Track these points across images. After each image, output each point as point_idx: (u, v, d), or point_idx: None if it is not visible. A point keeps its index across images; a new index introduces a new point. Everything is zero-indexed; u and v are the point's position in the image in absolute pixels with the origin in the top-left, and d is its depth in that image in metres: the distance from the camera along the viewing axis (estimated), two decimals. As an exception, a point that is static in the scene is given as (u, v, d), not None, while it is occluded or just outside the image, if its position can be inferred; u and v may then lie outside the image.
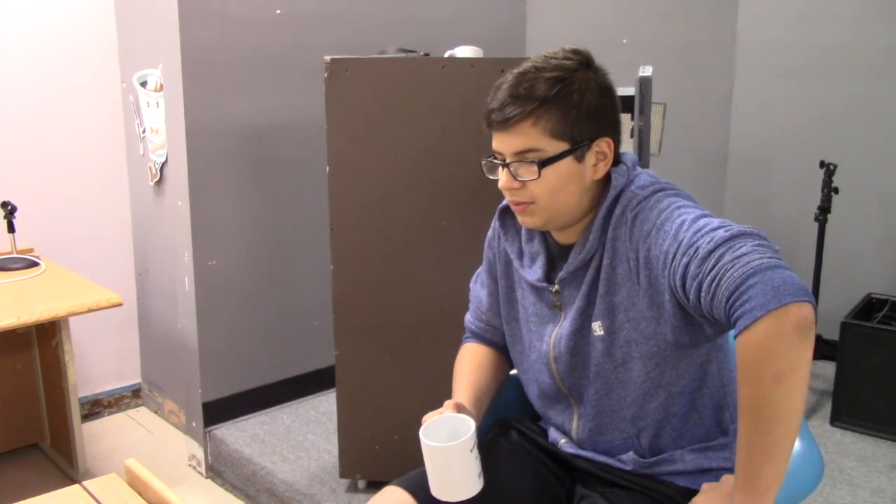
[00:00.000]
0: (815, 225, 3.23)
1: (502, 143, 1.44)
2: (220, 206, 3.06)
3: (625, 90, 2.41)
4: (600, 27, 3.96)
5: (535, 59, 1.45)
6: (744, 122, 3.85)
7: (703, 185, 3.98)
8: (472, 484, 1.44)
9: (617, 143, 1.48)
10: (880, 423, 3.05)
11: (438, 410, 1.53)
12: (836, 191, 3.20)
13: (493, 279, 1.70)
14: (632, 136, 2.41)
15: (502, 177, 1.46)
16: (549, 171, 1.42)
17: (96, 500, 1.48)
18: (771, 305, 1.16)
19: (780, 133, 3.75)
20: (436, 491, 1.45)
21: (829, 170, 3.20)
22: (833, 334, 3.19)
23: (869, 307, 3.35)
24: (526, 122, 1.40)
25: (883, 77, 3.44)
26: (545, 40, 3.87)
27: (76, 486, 1.52)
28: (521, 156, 1.42)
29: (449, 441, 1.42)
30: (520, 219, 1.51)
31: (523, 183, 1.43)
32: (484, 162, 1.50)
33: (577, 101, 1.41)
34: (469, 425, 1.46)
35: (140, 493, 1.49)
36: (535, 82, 1.40)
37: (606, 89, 1.46)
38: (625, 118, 2.45)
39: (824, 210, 3.20)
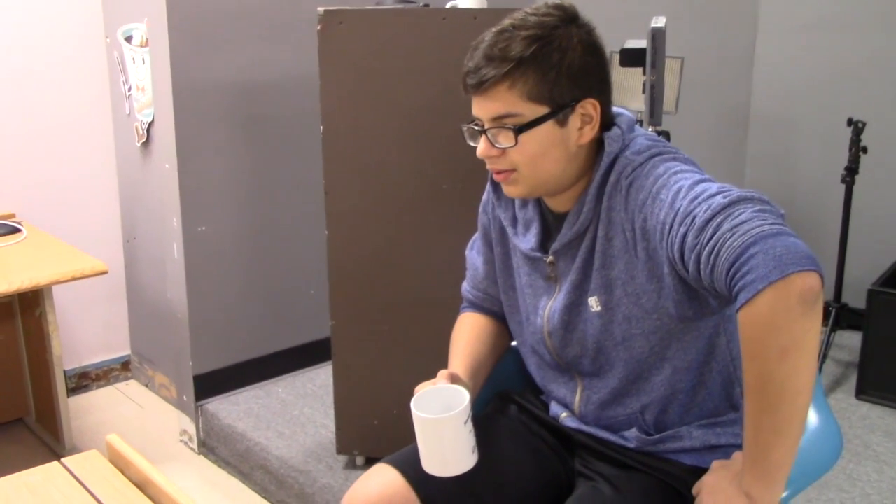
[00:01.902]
0: (842, 187, 3.21)
1: (480, 108, 1.42)
2: (210, 168, 3.05)
3: (636, 42, 2.38)
4: (615, -25, 3.91)
5: (515, 15, 1.42)
6: (767, 78, 3.81)
7: (724, 144, 3.95)
8: (466, 458, 1.44)
9: (605, 104, 1.45)
10: (909, 397, 3.05)
11: (431, 381, 1.53)
12: (865, 150, 3.17)
13: (489, 246, 1.69)
14: (643, 91, 2.38)
15: (480, 144, 1.44)
16: (527, 136, 1.39)
17: (76, 477, 1.48)
18: (773, 276, 1.14)
19: (805, 89, 3.71)
20: (427, 465, 1.46)
21: (857, 128, 3.17)
22: (860, 302, 3.18)
23: (898, 274, 3.34)
24: (501, 86, 1.38)
25: (917, 28, 3.40)
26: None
27: (55, 464, 1.53)
28: (499, 121, 1.40)
29: (442, 413, 1.42)
30: (504, 189, 1.50)
31: (502, 150, 1.42)
32: (465, 128, 1.47)
33: (557, 60, 1.37)
34: (463, 397, 1.45)
35: (122, 471, 1.50)
36: (511, 42, 1.37)
37: (592, 46, 1.42)
38: (637, 73, 2.43)
39: (852, 171, 3.18)
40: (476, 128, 1.45)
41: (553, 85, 1.38)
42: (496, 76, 1.37)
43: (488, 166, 1.48)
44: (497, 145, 1.42)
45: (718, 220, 1.22)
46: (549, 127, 1.40)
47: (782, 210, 1.25)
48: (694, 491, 1.39)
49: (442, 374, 1.55)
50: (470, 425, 1.45)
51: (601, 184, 1.43)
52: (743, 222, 1.19)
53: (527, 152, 1.41)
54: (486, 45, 1.40)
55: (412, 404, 1.44)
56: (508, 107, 1.39)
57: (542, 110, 1.39)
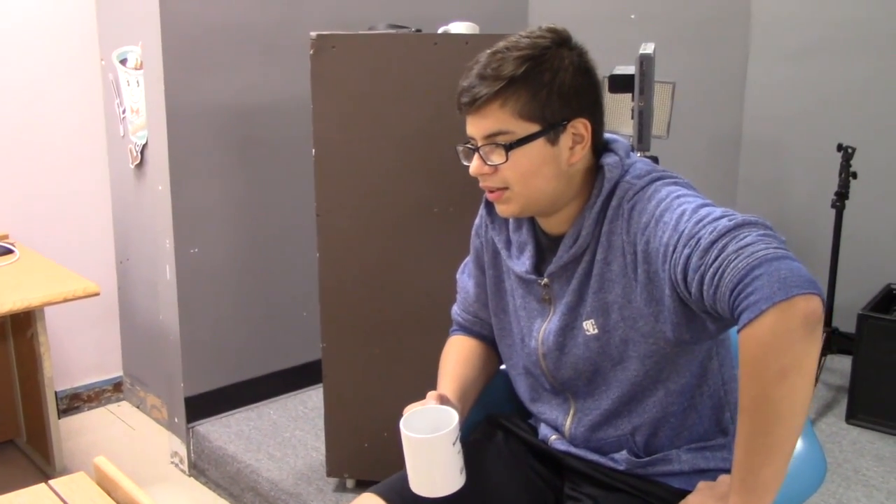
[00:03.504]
0: (833, 211, 3.22)
1: (473, 126, 1.45)
2: (203, 190, 3.06)
3: (625, 69, 2.40)
4: (608, 1, 3.93)
5: (509, 38, 1.45)
6: (758, 103, 3.83)
7: (715, 169, 3.97)
8: (454, 479, 1.44)
9: (597, 125, 1.47)
10: (899, 421, 3.04)
11: (420, 402, 1.53)
12: (855, 175, 3.18)
13: (481, 269, 1.69)
14: (632, 117, 2.40)
15: (473, 162, 1.46)
16: (518, 153, 1.41)
17: (62, 499, 1.48)
18: (777, 298, 1.15)
19: (795, 114, 3.73)
20: (415, 486, 1.46)
21: (847, 153, 3.18)
22: (850, 327, 3.18)
23: (889, 298, 3.34)
24: (494, 104, 1.40)
25: (905, 55, 3.42)
26: (550, 15, 3.84)
27: (42, 485, 1.53)
28: (491, 139, 1.42)
29: (430, 433, 1.43)
30: (497, 209, 1.51)
31: (495, 168, 1.44)
32: (460, 148, 1.50)
33: (549, 80, 1.40)
34: (452, 417, 1.46)
35: (109, 493, 1.50)
36: (504, 62, 1.40)
37: (583, 68, 1.45)
38: (626, 98, 2.45)
39: (842, 196, 3.18)
40: (470, 147, 1.47)
41: (544, 104, 1.40)
42: (488, 94, 1.40)
43: (481, 184, 1.49)
44: (489, 163, 1.44)
45: (724, 242, 1.23)
46: (540, 145, 1.42)
47: (783, 237, 1.26)
48: None
49: (431, 395, 1.55)
50: (458, 446, 1.45)
51: (602, 208, 1.45)
52: (748, 245, 1.21)
53: (518, 169, 1.42)
54: (480, 66, 1.43)
55: (401, 424, 1.45)
56: (500, 124, 1.41)
57: (534, 128, 1.41)
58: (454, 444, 1.43)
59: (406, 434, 1.43)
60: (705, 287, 1.24)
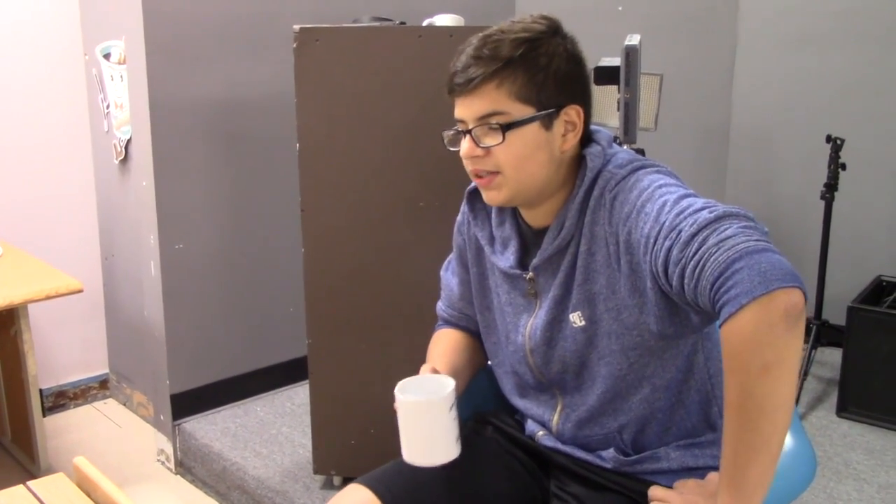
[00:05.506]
0: (822, 203, 3.21)
1: (465, 108, 1.42)
2: (188, 185, 3.03)
3: (610, 60, 2.38)
4: (595, -7, 3.92)
5: (502, 23, 1.44)
6: (746, 95, 3.82)
7: (704, 161, 3.96)
8: (451, 446, 1.41)
9: (587, 114, 1.45)
10: (889, 414, 3.03)
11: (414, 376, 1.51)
12: (844, 167, 3.17)
13: (464, 267, 1.68)
14: (618, 109, 2.38)
15: (464, 144, 1.43)
16: (513, 135, 1.39)
17: (41, 501, 1.46)
18: (757, 291, 1.13)
19: (784, 106, 3.72)
20: (410, 455, 1.42)
21: (836, 144, 3.17)
22: (840, 319, 3.18)
23: (878, 290, 3.33)
24: (490, 84, 1.38)
25: (894, 46, 3.41)
26: (537, 7, 3.82)
27: (20, 487, 1.51)
28: (485, 120, 1.40)
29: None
30: (484, 195, 1.48)
31: (487, 150, 1.41)
32: (446, 133, 1.47)
33: (545, 64, 1.39)
34: (449, 383, 1.44)
35: (88, 494, 1.47)
36: (501, 43, 1.39)
37: (575, 57, 1.44)
38: (612, 90, 2.43)
39: (831, 187, 3.17)
40: (459, 130, 1.44)
41: (540, 87, 1.39)
42: (485, 74, 1.37)
43: (471, 168, 1.45)
44: (482, 145, 1.41)
45: (704, 234, 1.21)
46: (534, 128, 1.40)
47: (766, 228, 1.24)
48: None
49: (425, 368, 1.54)
50: (455, 413, 1.42)
51: (584, 198, 1.43)
52: (729, 237, 1.19)
53: (512, 152, 1.40)
54: (474, 48, 1.40)
55: (396, 391, 1.42)
56: (495, 105, 1.39)
57: (529, 111, 1.39)
58: (451, 409, 1.41)
59: (401, 399, 1.40)
60: (686, 280, 1.23)
